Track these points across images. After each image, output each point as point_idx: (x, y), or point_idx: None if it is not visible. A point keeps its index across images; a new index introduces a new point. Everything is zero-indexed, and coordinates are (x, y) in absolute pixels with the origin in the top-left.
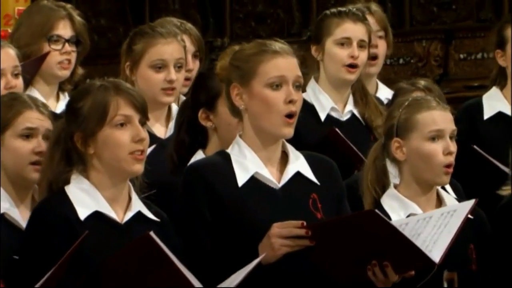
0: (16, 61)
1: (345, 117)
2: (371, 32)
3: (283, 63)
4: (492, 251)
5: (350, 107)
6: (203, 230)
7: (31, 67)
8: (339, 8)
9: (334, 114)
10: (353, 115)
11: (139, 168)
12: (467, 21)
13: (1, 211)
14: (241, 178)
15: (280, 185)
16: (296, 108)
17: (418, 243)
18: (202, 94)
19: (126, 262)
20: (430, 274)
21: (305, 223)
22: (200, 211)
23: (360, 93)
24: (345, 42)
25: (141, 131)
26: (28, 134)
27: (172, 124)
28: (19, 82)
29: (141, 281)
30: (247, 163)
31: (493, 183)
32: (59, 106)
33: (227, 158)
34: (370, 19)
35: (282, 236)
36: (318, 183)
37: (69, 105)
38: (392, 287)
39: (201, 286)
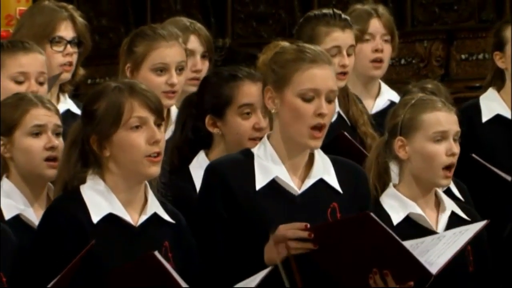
0: (44, 68)
1: (332, 118)
2: (357, 35)
3: (318, 74)
4: (487, 253)
5: (336, 108)
6: (218, 231)
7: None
8: (322, 12)
9: None
10: (339, 116)
11: (156, 170)
12: (468, 22)
13: (17, 212)
14: (260, 182)
15: (300, 191)
16: (325, 121)
17: (425, 257)
18: (209, 99)
19: (131, 276)
20: (427, 284)
21: (308, 225)
22: (217, 211)
23: (343, 91)
24: (336, 51)
25: (157, 133)
26: (38, 132)
27: (171, 128)
28: (43, 90)
29: None
30: (269, 167)
31: (492, 189)
32: (60, 107)
33: (250, 158)
34: (377, 22)
35: (287, 237)
36: (341, 192)
37: (84, 108)
38: None
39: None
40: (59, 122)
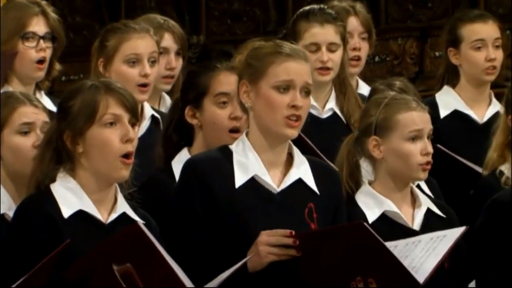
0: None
1: (325, 115)
2: (344, 29)
3: (294, 67)
4: (464, 249)
5: (331, 104)
6: (195, 228)
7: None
8: (310, 7)
9: (313, 111)
10: (334, 113)
11: (126, 174)
12: (442, 19)
13: (1, 212)
14: (239, 179)
15: (279, 189)
16: (300, 113)
17: (405, 263)
18: (190, 92)
19: (114, 253)
20: None
21: (293, 232)
22: (194, 209)
23: (341, 87)
24: (314, 47)
25: (130, 131)
26: (26, 130)
27: (144, 123)
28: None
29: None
30: (248, 164)
31: (459, 180)
32: None
33: (229, 156)
34: (355, 20)
35: (270, 244)
36: (318, 192)
37: (60, 105)
38: None
39: (186, 278)
40: (47, 119)
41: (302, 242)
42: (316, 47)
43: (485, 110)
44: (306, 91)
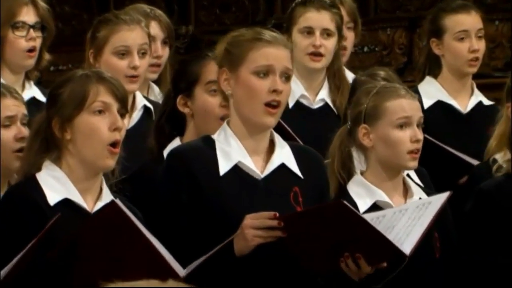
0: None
1: (316, 105)
2: (341, 19)
3: (273, 52)
4: (455, 239)
5: (322, 95)
6: (181, 216)
7: None
8: None
9: (304, 101)
10: (325, 103)
11: (112, 163)
12: (431, 9)
13: None
14: (223, 167)
15: (262, 175)
16: (281, 98)
17: (392, 235)
18: (182, 80)
19: (95, 232)
20: (401, 265)
21: (277, 214)
22: (179, 197)
23: (335, 79)
24: (307, 31)
25: (119, 120)
26: (8, 123)
27: (135, 113)
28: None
29: (112, 251)
30: (231, 152)
31: (447, 170)
32: (25, 94)
33: (211, 145)
34: (341, 9)
35: (255, 227)
36: (302, 177)
37: (49, 93)
38: (365, 279)
39: (168, 254)
40: (26, 112)
41: (286, 224)
42: (309, 31)
43: (467, 100)
44: (286, 77)
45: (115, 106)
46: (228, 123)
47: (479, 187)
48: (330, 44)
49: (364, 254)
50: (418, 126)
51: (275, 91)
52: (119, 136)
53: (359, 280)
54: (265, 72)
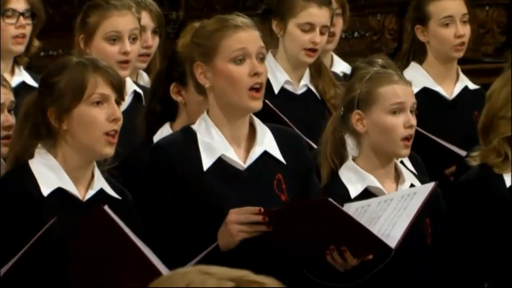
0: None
1: (300, 90)
2: (333, 15)
3: (244, 36)
4: (447, 226)
5: (305, 81)
6: (164, 213)
7: None
8: None
9: (288, 87)
10: (308, 89)
11: (110, 151)
12: None
13: None
14: (207, 162)
15: (245, 166)
16: (262, 80)
17: (377, 226)
18: (176, 68)
19: (85, 235)
20: (388, 258)
21: (262, 210)
22: (163, 194)
23: (315, 66)
24: (308, 27)
25: (117, 111)
26: None
27: (126, 98)
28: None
29: (102, 255)
30: (213, 144)
31: (436, 161)
32: (14, 80)
33: (193, 137)
34: None
35: (239, 222)
36: (284, 162)
37: (44, 80)
38: (351, 271)
39: (155, 258)
40: (13, 99)
41: (271, 218)
42: (310, 27)
43: (453, 86)
44: (261, 57)
45: (113, 96)
46: (207, 113)
47: (459, 181)
48: (324, 39)
49: (350, 247)
50: (411, 111)
51: (256, 74)
52: (117, 126)
53: (345, 272)
54: (241, 57)
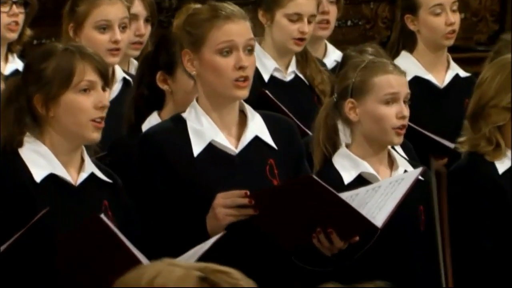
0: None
1: (288, 77)
2: (320, 3)
3: (233, 28)
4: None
5: (292, 68)
6: (155, 201)
7: None
8: None
9: (277, 75)
10: (296, 75)
11: (97, 136)
12: None
13: None
14: (197, 148)
15: (237, 151)
16: (247, 73)
17: (364, 211)
18: (162, 56)
19: (78, 241)
20: (373, 238)
21: (248, 193)
22: (154, 182)
23: (301, 52)
24: (296, 17)
25: (104, 98)
26: None
27: (115, 86)
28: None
29: (94, 261)
30: (203, 131)
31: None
32: (8, 67)
33: (183, 125)
34: None
35: (226, 206)
36: (276, 147)
37: (29, 66)
38: (337, 254)
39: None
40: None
41: (257, 201)
42: (298, 17)
43: (444, 75)
44: (249, 49)
45: (99, 84)
46: (197, 101)
47: (450, 170)
48: (311, 28)
49: (336, 229)
50: (404, 102)
51: (241, 67)
52: (104, 113)
53: (332, 256)
54: (228, 49)
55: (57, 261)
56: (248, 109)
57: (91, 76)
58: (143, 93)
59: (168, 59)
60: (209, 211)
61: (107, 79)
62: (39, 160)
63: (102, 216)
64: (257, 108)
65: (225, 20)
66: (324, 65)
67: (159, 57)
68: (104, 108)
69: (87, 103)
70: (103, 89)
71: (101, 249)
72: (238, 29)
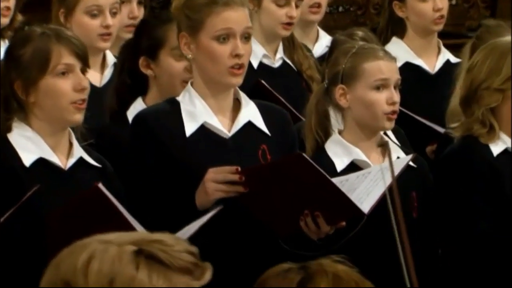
0: None
1: (276, 63)
2: None
3: (232, 15)
4: (433, 200)
5: (280, 54)
6: (147, 180)
7: None
8: None
9: (266, 61)
10: (284, 61)
11: (79, 118)
12: None
13: None
14: (189, 128)
15: (230, 134)
16: (243, 61)
17: (353, 196)
18: (144, 41)
19: (72, 214)
20: (359, 224)
21: (239, 168)
22: (145, 160)
23: (288, 38)
24: (284, 2)
25: (83, 80)
26: None
27: (107, 71)
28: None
29: (88, 234)
30: (196, 112)
31: (417, 138)
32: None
33: (176, 107)
34: None
35: (216, 181)
36: (269, 134)
37: (9, 52)
38: (324, 239)
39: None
40: None
41: (248, 178)
42: (285, 2)
43: (435, 60)
44: (246, 37)
45: (78, 66)
46: (191, 84)
47: (442, 155)
48: (299, 12)
49: (323, 213)
50: (395, 88)
51: (237, 55)
52: (84, 95)
53: (318, 241)
54: (225, 36)
55: (48, 237)
56: (243, 96)
57: (68, 59)
58: (125, 81)
59: (150, 43)
60: (199, 185)
61: (86, 61)
62: (28, 144)
63: (100, 185)
64: (251, 97)
65: (224, 6)
66: (309, 50)
67: (141, 42)
68: (84, 90)
69: (66, 86)
70: (83, 72)
71: (97, 220)
72: (237, 16)
